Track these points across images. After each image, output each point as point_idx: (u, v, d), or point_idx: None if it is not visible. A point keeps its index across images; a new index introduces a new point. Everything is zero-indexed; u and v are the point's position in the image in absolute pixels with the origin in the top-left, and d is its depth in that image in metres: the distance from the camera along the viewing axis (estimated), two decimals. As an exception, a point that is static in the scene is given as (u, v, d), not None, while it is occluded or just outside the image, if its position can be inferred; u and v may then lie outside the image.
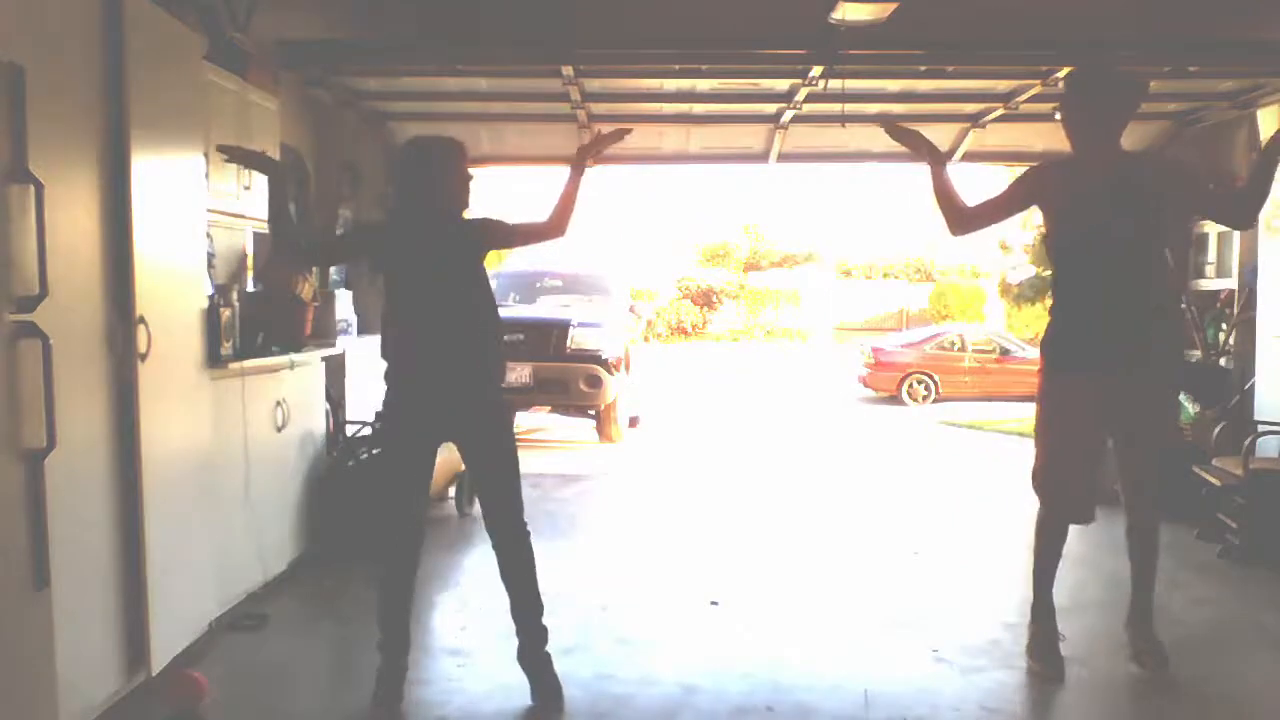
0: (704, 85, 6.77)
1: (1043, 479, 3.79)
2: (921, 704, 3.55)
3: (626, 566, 5.45)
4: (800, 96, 6.80)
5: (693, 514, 6.87)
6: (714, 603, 4.67)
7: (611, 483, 8.02)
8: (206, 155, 4.20)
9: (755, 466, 9.16)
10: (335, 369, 5.84)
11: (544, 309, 10.72)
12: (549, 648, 3.64)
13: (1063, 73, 6.18)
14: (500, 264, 19.47)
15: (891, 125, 3.82)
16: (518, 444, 3.73)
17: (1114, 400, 3.61)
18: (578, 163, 3.74)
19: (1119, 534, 6.05)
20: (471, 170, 3.61)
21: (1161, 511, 3.85)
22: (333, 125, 7.33)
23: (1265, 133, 6.54)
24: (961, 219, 3.82)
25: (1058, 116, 3.77)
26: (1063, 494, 3.77)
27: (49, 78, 2.91)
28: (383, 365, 3.59)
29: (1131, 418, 3.66)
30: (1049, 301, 3.81)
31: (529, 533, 3.66)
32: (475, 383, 3.52)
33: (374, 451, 5.70)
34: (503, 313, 11.59)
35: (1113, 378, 3.58)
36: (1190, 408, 7.24)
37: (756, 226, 33.89)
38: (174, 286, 3.74)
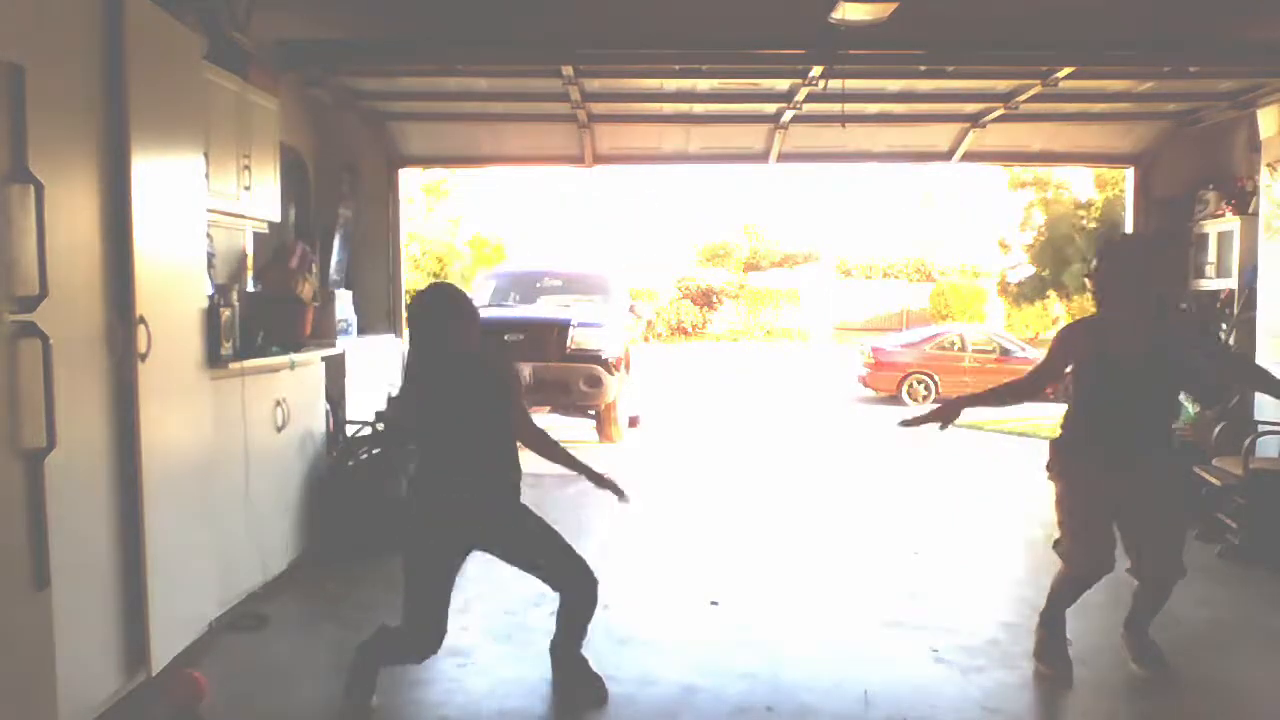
0: (704, 85, 6.78)
1: (1070, 551, 3.89)
2: (921, 704, 3.55)
3: (626, 566, 5.45)
4: (800, 96, 6.80)
5: (693, 514, 6.87)
6: (714, 603, 4.67)
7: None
8: (206, 155, 4.21)
9: (755, 466, 9.16)
10: (335, 369, 5.84)
11: (544, 309, 10.71)
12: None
13: (1063, 73, 6.19)
14: (499, 264, 19.51)
15: (905, 421, 4.01)
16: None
17: (1127, 484, 3.74)
18: (589, 475, 3.80)
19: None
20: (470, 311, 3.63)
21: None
22: (333, 125, 7.34)
23: (1265, 132, 6.55)
24: (1027, 395, 4.01)
25: (1088, 284, 3.95)
26: (1090, 559, 3.83)
27: (49, 78, 2.91)
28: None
29: (1146, 498, 3.77)
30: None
31: (595, 578, 3.68)
32: (507, 497, 3.63)
33: (374, 451, 5.70)
34: (503, 313, 11.61)
35: (1126, 470, 3.73)
36: (1190, 408, 7.24)
37: (756, 226, 33.89)
38: (174, 286, 3.74)
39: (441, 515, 3.49)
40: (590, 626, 3.80)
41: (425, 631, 3.46)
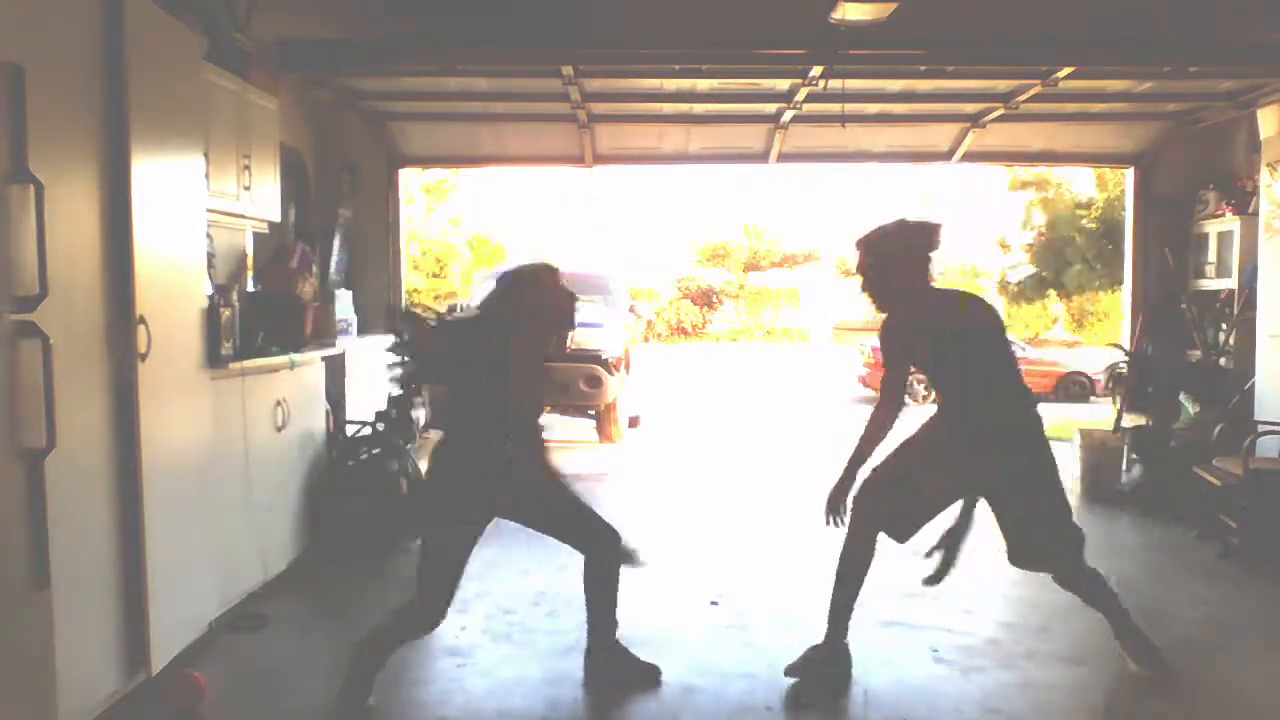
0: (704, 85, 6.78)
1: (872, 491, 3.76)
2: (921, 704, 3.55)
3: (626, 566, 5.44)
4: (800, 96, 6.80)
5: (693, 514, 6.86)
6: (714, 603, 4.67)
7: (612, 482, 8.01)
8: (206, 155, 4.21)
9: (755, 466, 9.15)
10: (335, 369, 5.83)
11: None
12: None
13: (1063, 73, 6.20)
14: (499, 264, 19.48)
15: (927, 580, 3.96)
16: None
17: (987, 468, 3.67)
18: None
19: (1119, 535, 6.10)
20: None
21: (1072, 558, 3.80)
22: (333, 125, 7.34)
23: (1265, 132, 6.55)
24: (888, 421, 3.77)
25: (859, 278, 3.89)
26: (884, 507, 3.74)
27: (49, 78, 2.91)
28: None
29: (1006, 480, 3.69)
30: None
31: (618, 535, 3.70)
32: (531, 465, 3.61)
33: (374, 451, 5.70)
34: (503, 313, 11.49)
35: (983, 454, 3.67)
36: (1190, 408, 7.24)
37: (756, 226, 33.89)
38: (174, 286, 3.74)
39: (467, 482, 3.46)
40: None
41: (440, 601, 3.47)
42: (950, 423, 3.78)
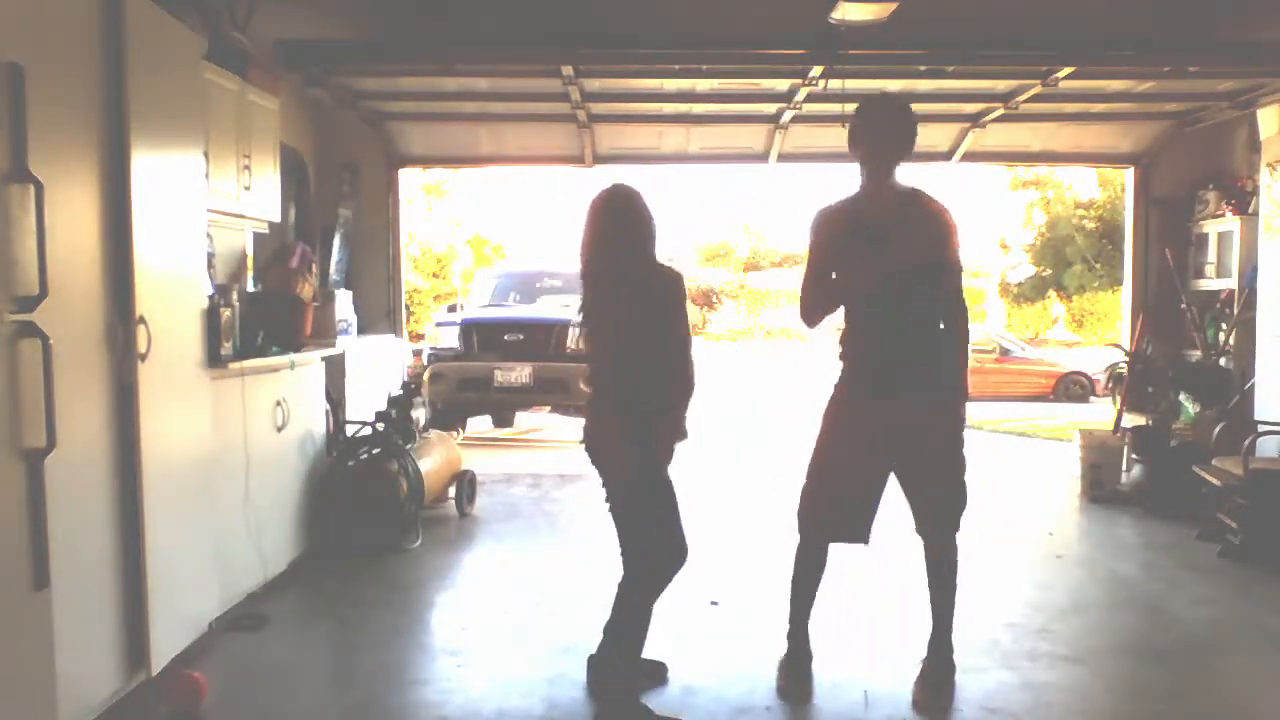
0: (704, 85, 6.78)
1: (806, 501, 3.68)
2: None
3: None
4: (800, 96, 6.80)
5: (692, 514, 6.85)
6: (714, 603, 4.67)
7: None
8: (206, 155, 4.21)
9: (755, 466, 9.15)
10: (335, 369, 5.84)
11: (544, 309, 10.71)
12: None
13: (1063, 73, 6.20)
14: (499, 264, 19.50)
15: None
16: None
17: (898, 424, 3.51)
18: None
19: (1120, 535, 6.10)
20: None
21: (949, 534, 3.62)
22: (333, 125, 7.35)
23: (1265, 132, 6.55)
24: (806, 319, 3.68)
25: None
26: (823, 514, 3.65)
27: (49, 78, 2.91)
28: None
29: (917, 441, 3.53)
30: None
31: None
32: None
33: (374, 451, 5.70)
34: (502, 313, 11.59)
35: (896, 401, 3.49)
36: (1190, 408, 7.25)
37: (756, 226, 33.90)
38: (174, 286, 3.74)
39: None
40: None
41: (682, 540, 3.46)
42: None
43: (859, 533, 3.64)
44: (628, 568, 3.52)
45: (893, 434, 3.52)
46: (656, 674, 3.74)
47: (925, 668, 3.65)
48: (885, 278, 3.45)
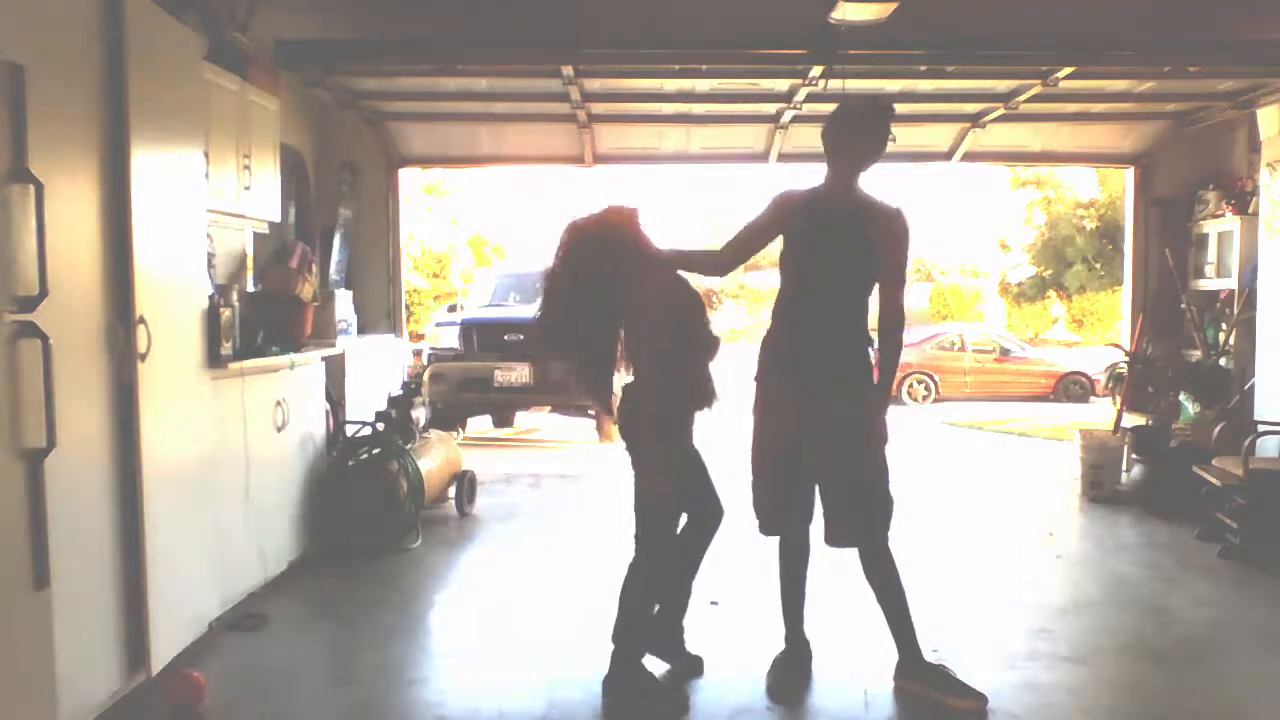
0: (704, 85, 6.78)
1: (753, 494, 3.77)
2: (922, 704, 3.55)
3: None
4: (800, 96, 6.80)
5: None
6: (714, 603, 4.67)
7: (611, 482, 8.01)
8: (206, 155, 4.21)
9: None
10: (335, 369, 5.84)
11: (544, 309, 10.70)
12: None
13: (1063, 73, 6.20)
14: (499, 264, 19.51)
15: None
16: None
17: (810, 420, 3.54)
18: None
19: (1120, 534, 6.10)
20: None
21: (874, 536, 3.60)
22: (333, 125, 7.35)
23: (1265, 133, 6.55)
24: (720, 262, 3.83)
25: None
26: (764, 508, 3.72)
27: (49, 78, 2.91)
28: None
29: (830, 441, 3.53)
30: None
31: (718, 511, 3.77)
32: None
33: (374, 451, 5.70)
34: (502, 313, 11.56)
35: (810, 390, 3.53)
36: (1190, 408, 7.25)
37: (756, 227, 33.86)
38: (174, 286, 3.74)
39: None
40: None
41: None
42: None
43: (786, 528, 3.70)
44: (638, 548, 3.63)
45: (807, 430, 3.55)
46: (694, 667, 3.77)
47: (911, 690, 3.64)
48: (822, 273, 3.50)
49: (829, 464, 3.57)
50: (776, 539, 3.80)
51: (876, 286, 3.57)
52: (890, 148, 3.57)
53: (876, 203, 3.58)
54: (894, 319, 3.60)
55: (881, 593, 3.64)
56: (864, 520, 3.56)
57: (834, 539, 3.60)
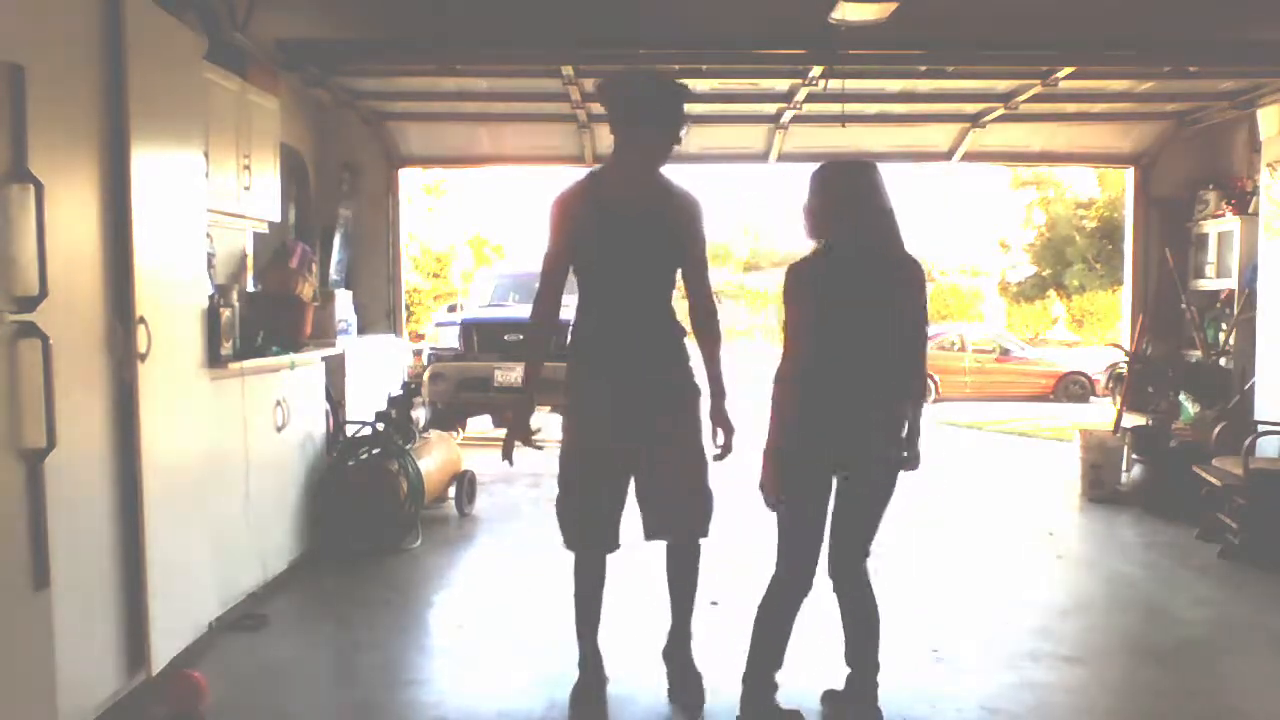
0: (704, 85, 6.77)
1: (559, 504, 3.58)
2: (921, 704, 3.54)
3: (626, 566, 5.44)
4: (800, 96, 6.80)
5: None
6: (714, 603, 4.67)
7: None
8: (206, 155, 4.20)
9: (755, 466, 9.15)
10: (335, 369, 5.84)
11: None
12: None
13: (1063, 73, 6.19)
14: (499, 264, 19.49)
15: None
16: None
17: (635, 410, 3.45)
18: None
19: (1120, 535, 6.10)
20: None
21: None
22: (333, 125, 7.35)
23: (1265, 133, 6.55)
24: (540, 319, 3.74)
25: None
26: (570, 519, 3.57)
27: (49, 78, 2.91)
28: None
29: (652, 429, 3.48)
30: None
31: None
32: None
33: (374, 451, 5.70)
34: (502, 313, 11.57)
35: (631, 382, 3.44)
36: (1190, 408, 7.25)
37: (755, 227, 33.89)
38: (174, 286, 3.74)
39: None
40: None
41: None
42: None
43: (592, 538, 3.60)
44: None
45: (619, 416, 3.47)
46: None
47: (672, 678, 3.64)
48: (622, 261, 3.45)
49: (645, 455, 3.48)
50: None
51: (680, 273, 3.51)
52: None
53: (672, 185, 3.55)
54: (706, 307, 3.56)
55: (680, 580, 3.68)
56: (686, 515, 3.53)
57: (652, 533, 3.55)
